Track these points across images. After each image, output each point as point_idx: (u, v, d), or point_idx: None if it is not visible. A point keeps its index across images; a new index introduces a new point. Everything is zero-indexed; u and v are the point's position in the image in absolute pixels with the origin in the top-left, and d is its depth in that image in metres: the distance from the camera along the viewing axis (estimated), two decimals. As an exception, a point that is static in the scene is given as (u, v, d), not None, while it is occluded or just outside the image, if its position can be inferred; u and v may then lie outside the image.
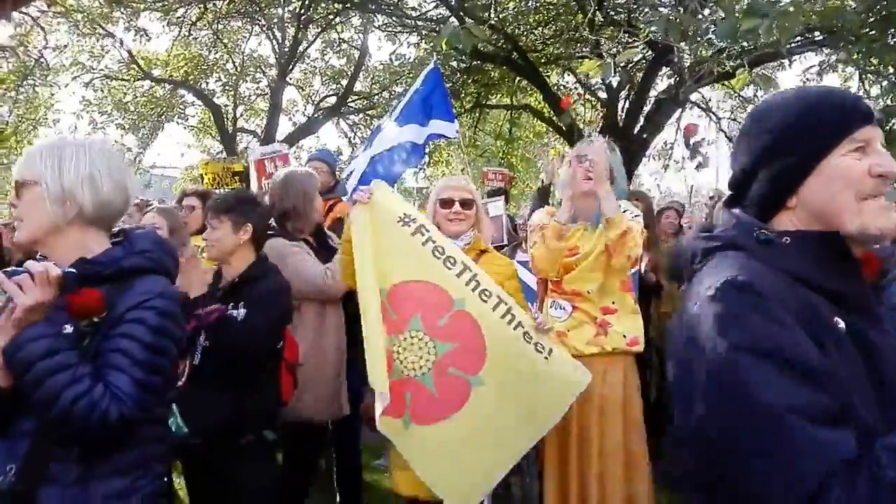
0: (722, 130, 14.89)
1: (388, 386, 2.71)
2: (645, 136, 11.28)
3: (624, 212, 3.27)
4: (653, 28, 4.20)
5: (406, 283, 2.91)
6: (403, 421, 2.81)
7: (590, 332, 3.25)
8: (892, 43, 7.28)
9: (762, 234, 1.35)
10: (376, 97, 16.62)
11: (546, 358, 2.85)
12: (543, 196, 4.88)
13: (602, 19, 11.47)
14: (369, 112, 17.55)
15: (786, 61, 11.24)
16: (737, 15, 4.11)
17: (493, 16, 12.35)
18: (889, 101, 11.29)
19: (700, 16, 4.16)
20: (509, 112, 15.15)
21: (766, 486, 1.13)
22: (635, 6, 11.45)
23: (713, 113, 14.38)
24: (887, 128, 10.50)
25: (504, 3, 12.63)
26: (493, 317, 2.85)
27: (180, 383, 2.73)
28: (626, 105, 12.30)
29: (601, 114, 4.75)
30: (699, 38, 3.95)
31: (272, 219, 3.62)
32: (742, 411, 1.16)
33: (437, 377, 2.82)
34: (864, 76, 11.94)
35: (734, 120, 15.32)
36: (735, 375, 1.17)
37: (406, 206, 3.08)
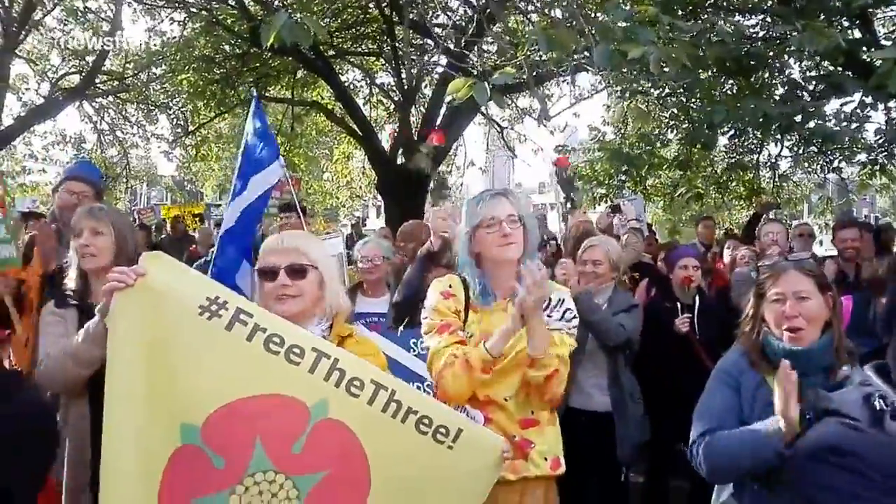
0: (503, 139, 15.20)
1: None
2: (443, 144, 10.91)
3: (560, 307, 2.56)
4: (535, 44, 3.62)
5: (231, 405, 1.91)
6: None
7: None
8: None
9: (878, 406, 1.14)
10: (130, 79, 14.35)
11: (451, 447, 2.06)
12: (426, 264, 3.81)
13: (397, 18, 10.89)
14: (121, 95, 15.17)
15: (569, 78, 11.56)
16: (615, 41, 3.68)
17: (276, 1, 11.17)
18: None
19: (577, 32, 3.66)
20: (291, 107, 13.93)
21: None
22: (430, 7, 11.05)
23: (496, 122, 14.55)
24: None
25: (288, -13, 11.47)
26: (372, 414, 1.99)
27: None
28: (423, 111, 11.86)
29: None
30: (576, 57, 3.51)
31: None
32: None
33: None
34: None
35: (513, 129, 15.73)
36: None
37: (209, 285, 2.04)
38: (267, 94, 13.50)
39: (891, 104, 7.49)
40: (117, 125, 16.23)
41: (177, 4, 12.21)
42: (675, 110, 11.13)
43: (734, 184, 12.42)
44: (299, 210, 5.38)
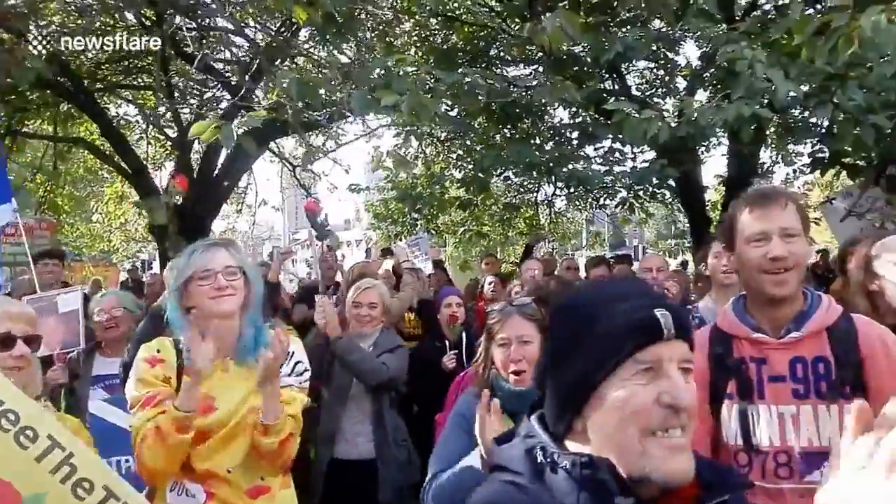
0: (295, 178, 14.93)
1: None
2: (226, 182, 10.41)
3: (290, 359, 2.39)
4: (286, 86, 3.54)
5: None
6: None
7: None
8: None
9: (539, 459, 1.11)
10: None
11: None
12: (158, 322, 3.21)
13: (172, 52, 10.31)
14: None
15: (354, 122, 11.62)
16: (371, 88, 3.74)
17: (34, 31, 10.09)
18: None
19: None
20: (54, 143, 12.59)
21: None
22: (206, 42, 10.60)
23: (288, 161, 14.29)
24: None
25: (47, 15, 10.43)
26: None
27: None
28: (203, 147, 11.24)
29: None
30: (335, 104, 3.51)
31: None
32: None
33: None
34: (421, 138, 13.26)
35: (307, 170, 15.50)
36: None
37: None
38: (25, 130, 12.12)
39: (638, 149, 8.43)
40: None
41: None
42: (461, 152, 11.70)
43: (516, 220, 13.26)
44: (31, 259, 4.84)
